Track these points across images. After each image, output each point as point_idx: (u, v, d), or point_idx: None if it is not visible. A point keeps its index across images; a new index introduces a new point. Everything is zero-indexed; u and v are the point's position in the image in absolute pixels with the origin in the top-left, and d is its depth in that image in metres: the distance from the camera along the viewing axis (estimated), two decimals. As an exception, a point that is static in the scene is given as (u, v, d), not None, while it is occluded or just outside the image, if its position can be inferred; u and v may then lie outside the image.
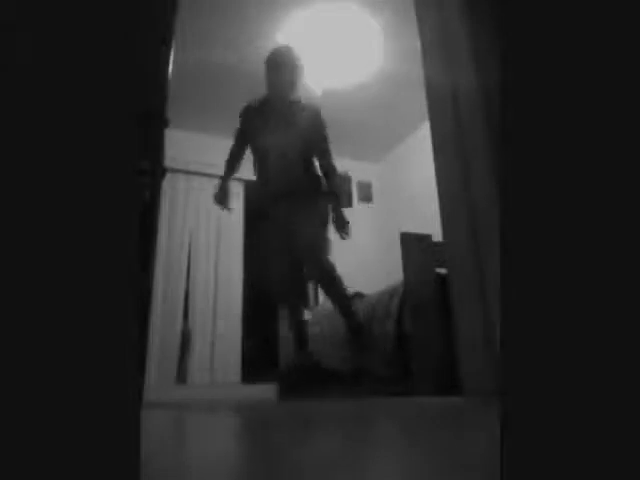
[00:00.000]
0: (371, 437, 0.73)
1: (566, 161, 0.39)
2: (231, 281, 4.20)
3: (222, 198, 2.44)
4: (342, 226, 2.34)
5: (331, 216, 2.39)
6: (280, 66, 2.32)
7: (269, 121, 2.33)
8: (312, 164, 2.42)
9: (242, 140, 2.49)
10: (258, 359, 4.06)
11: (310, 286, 3.18)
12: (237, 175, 4.45)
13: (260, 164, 2.37)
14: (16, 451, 0.33)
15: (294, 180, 2.29)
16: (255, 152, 2.41)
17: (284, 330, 3.77)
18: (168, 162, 2.04)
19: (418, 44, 1.95)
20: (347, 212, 4.92)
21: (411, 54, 3.08)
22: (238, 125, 2.49)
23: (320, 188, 2.39)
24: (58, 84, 0.41)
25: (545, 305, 0.37)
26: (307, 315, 3.69)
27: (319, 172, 2.43)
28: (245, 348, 4.07)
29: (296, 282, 2.38)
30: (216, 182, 4.40)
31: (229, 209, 2.51)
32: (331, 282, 2.22)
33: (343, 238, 2.36)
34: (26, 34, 0.41)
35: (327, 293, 2.26)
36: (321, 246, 2.23)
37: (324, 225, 2.32)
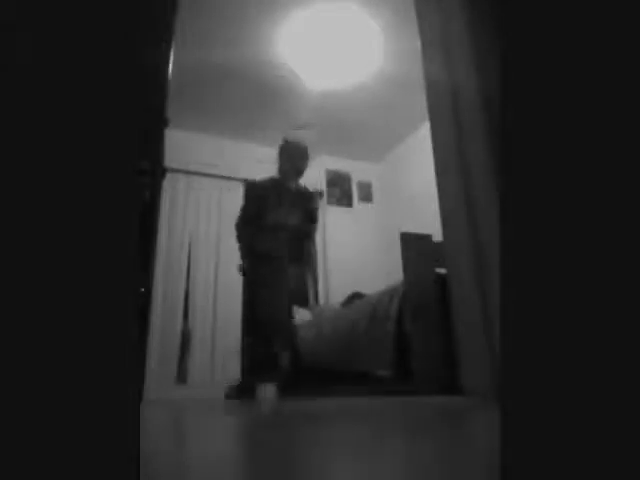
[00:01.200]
0: (371, 437, 0.73)
1: (566, 161, 0.39)
2: (231, 281, 4.20)
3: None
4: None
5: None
6: (294, 157, 2.89)
7: (281, 199, 2.86)
8: (304, 236, 2.99)
9: (252, 206, 2.91)
10: (258, 359, 4.04)
11: (311, 289, 3.36)
12: (237, 175, 4.47)
13: (267, 229, 2.83)
14: (17, 451, 0.33)
15: (294, 247, 2.85)
16: (263, 221, 2.84)
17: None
18: (168, 162, 2.04)
19: (418, 44, 1.95)
20: (347, 212, 4.93)
21: (411, 54, 3.08)
22: (246, 197, 3.02)
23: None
24: (58, 84, 0.41)
25: (545, 305, 0.37)
26: (307, 316, 3.68)
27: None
28: (245, 347, 4.06)
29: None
30: (216, 182, 4.42)
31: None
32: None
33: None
34: (26, 34, 0.41)
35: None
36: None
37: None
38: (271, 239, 2.82)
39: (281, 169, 2.92)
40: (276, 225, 2.84)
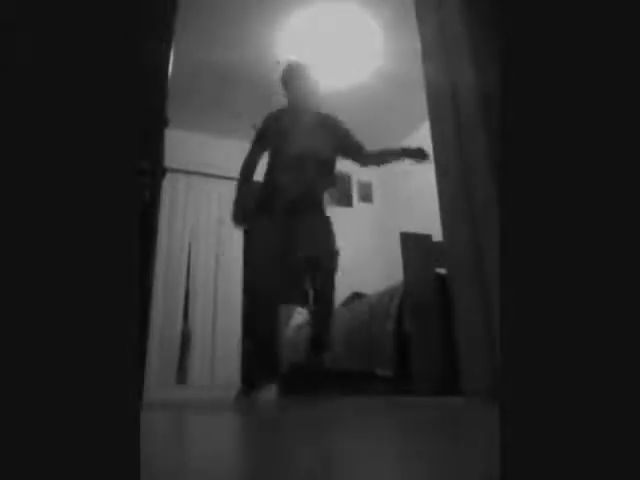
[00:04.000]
0: (370, 437, 0.72)
1: (566, 160, 0.39)
2: (231, 281, 4.20)
3: (241, 216, 2.35)
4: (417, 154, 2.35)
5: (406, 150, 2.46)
6: (302, 77, 2.43)
7: (298, 126, 2.39)
8: (334, 168, 2.52)
9: (262, 146, 2.46)
10: (257, 359, 4.05)
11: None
12: (237, 175, 4.47)
13: (282, 166, 2.36)
14: (16, 452, 0.33)
15: (315, 184, 2.35)
16: (277, 156, 2.40)
17: (285, 330, 3.76)
18: (168, 162, 2.04)
19: (418, 44, 1.95)
20: (347, 212, 4.93)
21: (411, 54, 3.08)
22: (259, 132, 2.48)
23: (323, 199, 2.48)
24: (58, 84, 0.41)
25: (545, 305, 0.37)
26: (306, 315, 3.68)
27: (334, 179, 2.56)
28: (244, 347, 4.07)
29: (293, 288, 2.41)
30: (216, 182, 4.42)
31: (247, 228, 2.45)
32: (327, 306, 2.28)
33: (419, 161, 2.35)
34: (26, 34, 0.41)
35: (316, 311, 2.28)
36: (334, 262, 2.28)
37: (334, 238, 2.35)
38: (294, 173, 2.24)
39: (294, 95, 2.43)
40: (302, 154, 2.27)
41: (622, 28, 0.40)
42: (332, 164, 2.50)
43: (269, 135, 2.42)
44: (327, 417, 1.15)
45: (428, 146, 1.88)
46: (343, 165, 5.09)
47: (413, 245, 2.15)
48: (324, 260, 2.22)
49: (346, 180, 5.10)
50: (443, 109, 1.73)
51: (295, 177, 2.28)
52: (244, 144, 4.59)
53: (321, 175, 2.38)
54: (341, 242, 2.46)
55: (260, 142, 2.46)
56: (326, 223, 2.37)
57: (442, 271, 2.01)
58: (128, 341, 0.38)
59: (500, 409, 0.37)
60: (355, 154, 2.62)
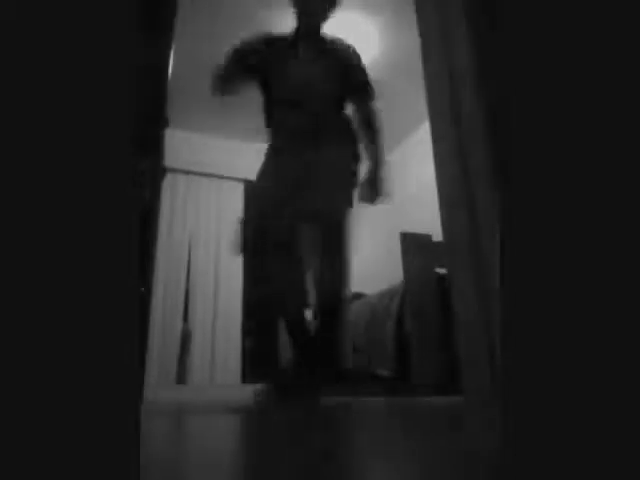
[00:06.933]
0: (370, 437, 0.72)
1: (566, 161, 0.39)
2: (231, 281, 4.20)
3: (220, 84, 1.97)
4: (375, 187, 1.89)
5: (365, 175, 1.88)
6: None
7: (297, 51, 1.86)
8: (343, 107, 1.92)
9: (247, 72, 1.99)
10: (258, 358, 4.06)
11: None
12: (237, 175, 4.47)
13: (279, 102, 1.91)
14: (16, 452, 0.33)
15: (322, 119, 1.81)
16: (273, 88, 1.96)
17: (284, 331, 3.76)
18: (168, 162, 2.04)
19: (418, 45, 1.95)
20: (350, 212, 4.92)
21: (411, 54, 3.08)
22: (242, 54, 1.95)
23: (351, 135, 1.88)
24: (58, 84, 0.41)
25: (545, 305, 0.37)
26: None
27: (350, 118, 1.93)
28: (245, 347, 4.07)
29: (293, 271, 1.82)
30: (216, 182, 4.41)
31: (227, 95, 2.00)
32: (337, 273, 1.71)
33: (372, 202, 1.90)
34: (26, 34, 0.41)
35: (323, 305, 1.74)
36: (344, 218, 1.78)
37: (351, 187, 1.83)
38: (288, 120, 1.75)
39: (302, 10, 1.83)
40: (294, 92, 1.75)
41: (625, 30, 0.40)
42: (337, 99, 1.89)
43: (260, 58, 1.92)
44: (326, 417, 1.15)
45: (428, 146, 1.88)
46: (343, 165, 5.09)
47: (413, 245, 2.16)
48: (331, 216, 1.71)
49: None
50: (443, 109, 1.72)
51: (296, 113, 1.79)
52: (244, 144, 4.60)
53: (329, 111, 1.82)
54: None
55: (246, 65, 1.97)
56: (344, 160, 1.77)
57: (442, 271, 2.01)
58: (128, 341, 0.38)
59: (500, 408, 0.37)
60: (359, 102, 1.91)
